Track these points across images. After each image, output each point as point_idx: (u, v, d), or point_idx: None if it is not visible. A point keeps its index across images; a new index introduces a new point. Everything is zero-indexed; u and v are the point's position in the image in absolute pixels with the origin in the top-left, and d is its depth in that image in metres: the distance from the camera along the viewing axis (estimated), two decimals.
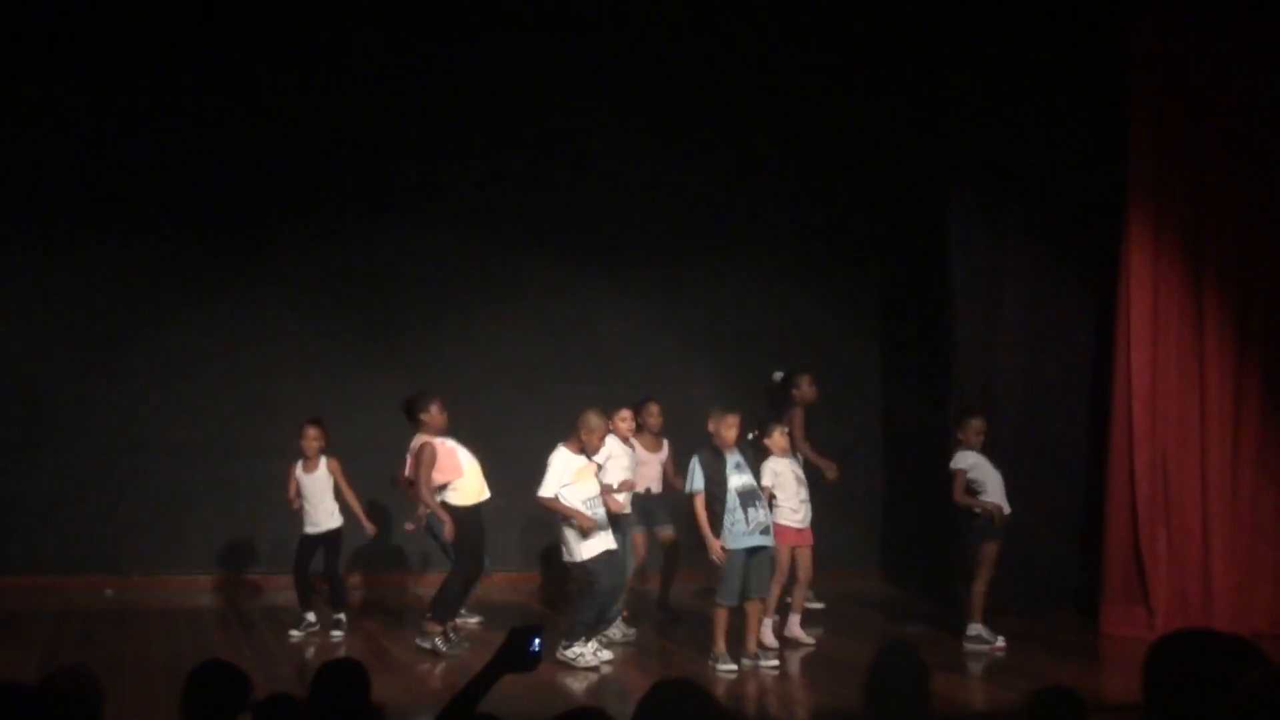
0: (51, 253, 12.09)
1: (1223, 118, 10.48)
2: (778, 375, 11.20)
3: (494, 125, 12.66)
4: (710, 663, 9.21)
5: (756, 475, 9.45)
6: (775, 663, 9.28)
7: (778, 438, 9.92)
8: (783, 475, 9.91)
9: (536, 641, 4.24)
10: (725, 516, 9.21)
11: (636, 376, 11.93)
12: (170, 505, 11.89)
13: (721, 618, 9.29)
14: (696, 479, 9.32)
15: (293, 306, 12.54)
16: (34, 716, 2.36)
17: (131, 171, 12.14)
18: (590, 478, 9.37)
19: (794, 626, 10.14)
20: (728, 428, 9.33)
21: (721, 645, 9.25)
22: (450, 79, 12.56)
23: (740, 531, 9.22)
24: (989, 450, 10.14)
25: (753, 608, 9.32)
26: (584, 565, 9.33)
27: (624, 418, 9.97)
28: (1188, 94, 10.48)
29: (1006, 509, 9.95)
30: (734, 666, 9.17)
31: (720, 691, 8.48)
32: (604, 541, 9.33)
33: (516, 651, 4.25)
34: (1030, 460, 11.13)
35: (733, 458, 9.36)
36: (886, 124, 13.04)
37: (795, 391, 11.10)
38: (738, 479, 9.30)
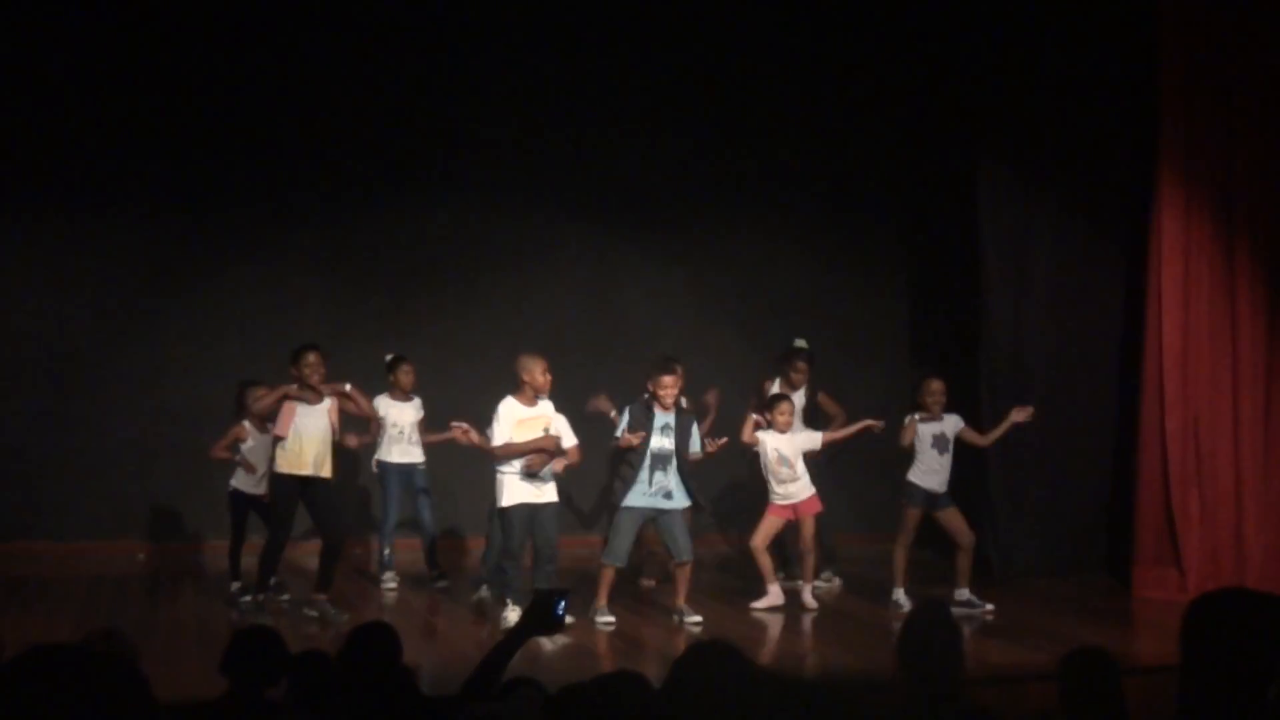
0: (77, 220, 12.14)
1: (1254, 79, 10.39)
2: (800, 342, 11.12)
3: (520, 90, 12.65)
4: (590, 615, 9.31)
5: (680, 440, 9.44)
6: (697, 618, 9.32)
7: (782, 415, 10.03)
8: (765, 454, 10.01)
9: (562, 604, 4.26)
10: (633, 474, 9.34)
11: (661, 342, 11.91)
12: (200, 470, 11.91)
13: (607, 576, 9.41)
14: (622, 426, 9.43)
15: (318, 272, 12.58)
16: (77, 676, 2.36)
17: (158, 141, 12.18)
18: (537, 430, 9.29)
19: (805, 595, 10.13)
20: (664, 389, 9.38)
21: (601, 600, 9.36)
22: (476, 44, 12.54)
23: (640, 492, 9.36)
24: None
25: (679, 571, 9.42)
26: (502, 513, 9.34)
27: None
28: (1218, 56, 10.39)
29: (940, 489, 9.90)
30: (611, 619, 9.30)
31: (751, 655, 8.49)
32: (524, 492, 9.26)
33: (542, 614, 4.27)
34: (1061, 423, 11.11)
35: (663, 418, 9.41)
36: (915, 88, 12.98)
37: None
38: (658, 441, 9.39)
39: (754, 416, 10.18)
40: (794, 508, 10.07)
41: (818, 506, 10.14)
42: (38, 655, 2.41)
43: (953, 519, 9.92)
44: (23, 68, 11.92)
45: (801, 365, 10.93)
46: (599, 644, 8.90)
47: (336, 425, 9.65)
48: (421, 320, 12.47)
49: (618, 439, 9.53)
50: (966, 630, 8.85)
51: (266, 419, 9.76)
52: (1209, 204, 10.44)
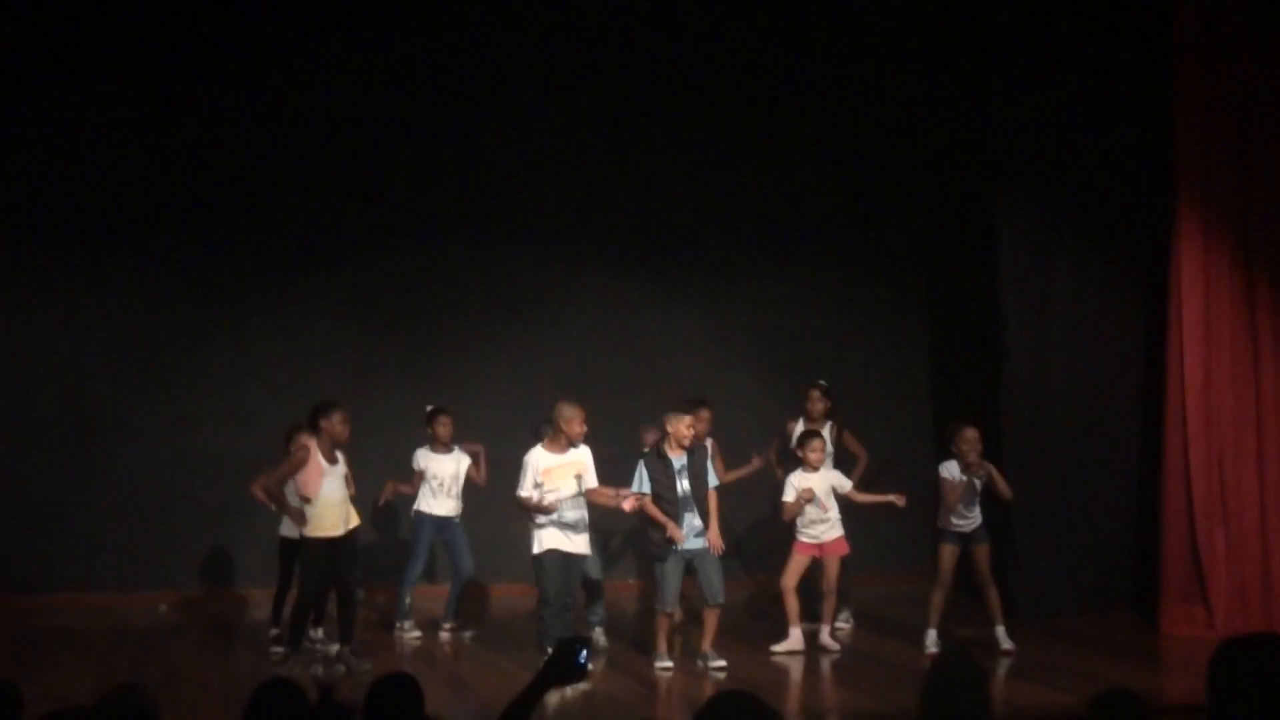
0: (97, 270, 12.17)
1: (1270, 110, 10.37)
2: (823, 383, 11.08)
3: (539, 133, 12.66)
4: (652, 660, 9.40)
5: (696, 479, 9.42)
6: (722, 663, 9.30)
7: (813, 453, 9.99)
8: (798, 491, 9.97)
9: (584, 653, 4.24)
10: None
11: (683, 384, 11.90)
12: (222, 519, 11.95)
13: (663, 624, 9.44)
14: (644, 483, 9.37)
15: (336, 318, 12.57)
16: None
17: (179, 189, 12.22)
18: (568, 479, 9.31)
19: (823, 635, 10.08)
20: (686, 428, 9.39)
21: (662, 646, 9.40)
22: (494, 87, 12.56)
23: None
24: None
25: (710, 614, 9.42)
26: (535, 561, 9.36)
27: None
28: (1234, 87, 10.39)
29: (971, 523, 9.81)
30: (669, 663, 9.34)
31: (774, 698, 8.44)
32: (556, 541, 9.27)
33: (564, 663, 4.25)
34: (1084, 460, 11.05)
35: (678, 461, 9.39)
36: (933, 126, 12.98)
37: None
38: (679, 485, 9.37)
39: (785, 501, 10.08)
40: (821, 546, 10.02)
41: (845, 549, 10.10)
42: None
43: (979, 557, 9.84)
44: (42, 117, 11.98)
45: (814, 394, 10.87)
46: (622, 691, 8.85)
47: (351, 485, 9.71)
48: (442, 366, 12.45)
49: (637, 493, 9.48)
50: (993, 672, 8.81)
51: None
52: (1228, 238, 10.40)
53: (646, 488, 9.38)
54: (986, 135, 11.67)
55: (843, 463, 10.81)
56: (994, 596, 9.86)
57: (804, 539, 10.03)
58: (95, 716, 2.39)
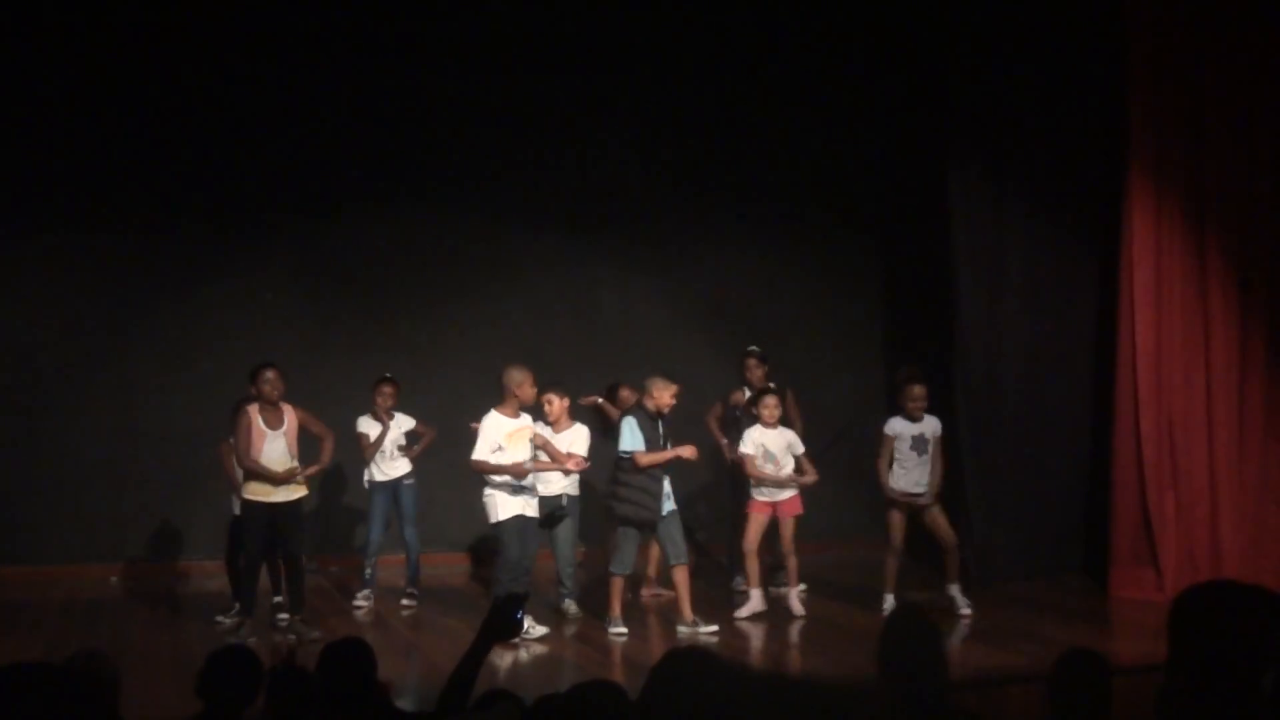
0: (49, 241, 12.04)
1: (1222, 78, 10.44)
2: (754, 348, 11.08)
3: (492, 103, 12.62)
4: (606, 626, 9.40)
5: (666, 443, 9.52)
6: (714, 628, 9.36)
7: (766, 409, 9.98)
8: (757, 447, 10.01)
9: (521, 611, 4.27)
10: (657, 486, 9.39)
11: (637, 353, 11.89)
12: (171, 491, 11.87)
13: (618, 585, 9.46)
14: (636, 439, 9.39)
15: (290, 290, 12.50)
16: (57, 696, 2.34)
17: (128, 158, 12.10)
18: (524, 442, 9.29)
19: (790, 599, 10.11)
20: (671, 396, 9.46)
21: (616, 610, 9.41)
22: (448, 57, 12.52)
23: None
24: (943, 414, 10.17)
25: (679, 574, 9.46)
26: (497, 527, 9.32)
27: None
28: (1186, 56, 10.44)
29: (918, 489, 9.86)
30: (624, 629, 9.34)
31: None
32: (519, 506, 9.27)
33: (502, 621, 4.26)
34: (1036, 425, 11.12)
35: (661, 426, 9.50)
36: (886, 94, 13.01)
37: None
38: (667, 446, 9.48)
39: (746, 453, 10.08)
40: (775, 505, 10.03)
41: (799, 508, 10.10)
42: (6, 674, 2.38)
43: (935, 520, 9.89)
44: None
45: (750, 362, 10.90)
46: (577, 655, 8.86)
47: (294, 448, 9.62)
48: (396, 335, 12.41)
49: (628, 453, 9.44)
50: (948, 633, 8.87)
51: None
52: (1180, 204, 10.47)
53: (641, 445, 9.39)
54: (939, 102, 11.68)
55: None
56: (954, 559, 9.92)
57: (759, 498, 10.04)
58: (63, 675, 2.37)
